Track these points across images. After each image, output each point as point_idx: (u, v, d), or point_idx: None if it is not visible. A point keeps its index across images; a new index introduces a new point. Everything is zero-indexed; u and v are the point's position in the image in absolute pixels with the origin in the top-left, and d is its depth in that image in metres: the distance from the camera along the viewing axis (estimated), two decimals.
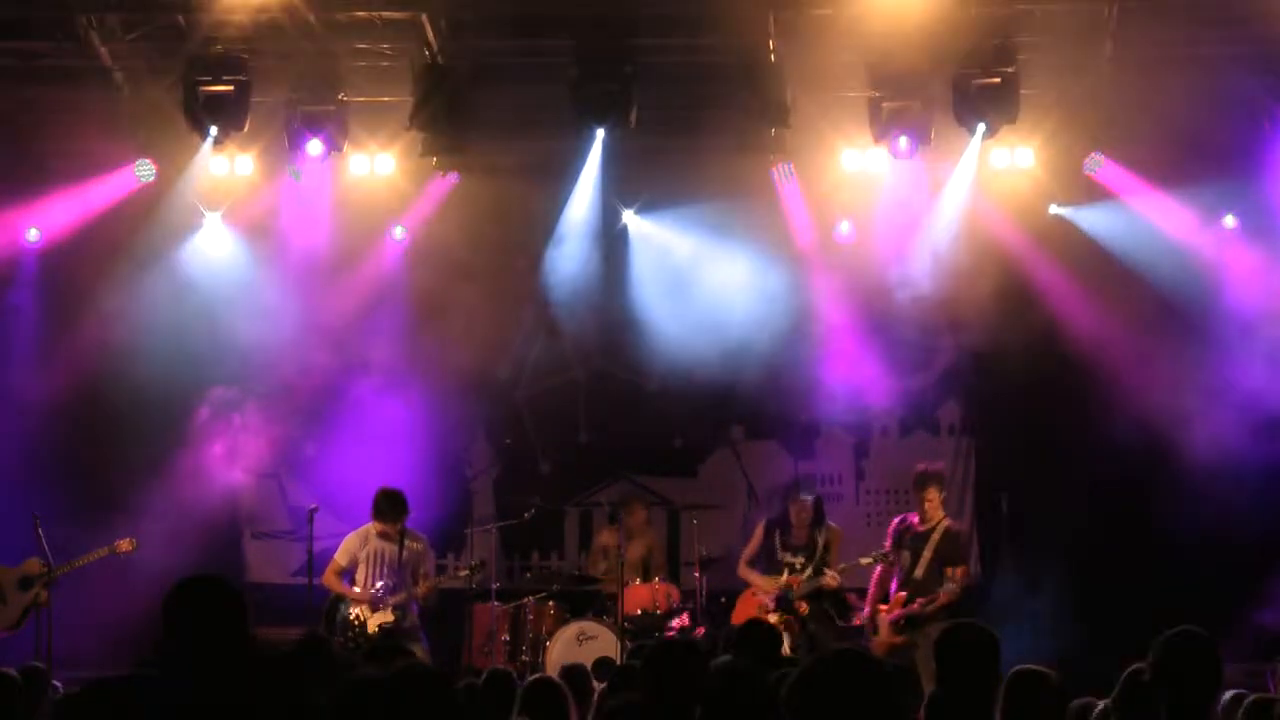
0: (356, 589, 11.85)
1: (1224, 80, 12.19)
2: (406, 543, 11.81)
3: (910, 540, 11.79)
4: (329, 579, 11.98)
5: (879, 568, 11.98)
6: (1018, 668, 6.08)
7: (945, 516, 11.90)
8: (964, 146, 13.09)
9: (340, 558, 11.96)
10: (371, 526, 11.94)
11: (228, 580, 4.68)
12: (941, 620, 11.45)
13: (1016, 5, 12.12)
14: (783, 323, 13.98)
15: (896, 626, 11.55)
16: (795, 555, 12.29)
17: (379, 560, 11.82)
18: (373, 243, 14.22)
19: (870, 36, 12.41)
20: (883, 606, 11.76)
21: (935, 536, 11.73)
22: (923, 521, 11.83)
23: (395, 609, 11.72)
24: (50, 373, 13.72)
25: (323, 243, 13.91)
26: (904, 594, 11.67)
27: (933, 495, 11.83)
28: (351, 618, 11.78)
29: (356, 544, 11.91)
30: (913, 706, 5.21)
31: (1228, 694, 6.06)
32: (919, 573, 11.68)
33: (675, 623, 12.73)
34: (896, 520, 12.14)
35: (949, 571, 11.60)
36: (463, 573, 12.45)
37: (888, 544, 11.96)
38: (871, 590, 12.00)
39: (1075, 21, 12.40)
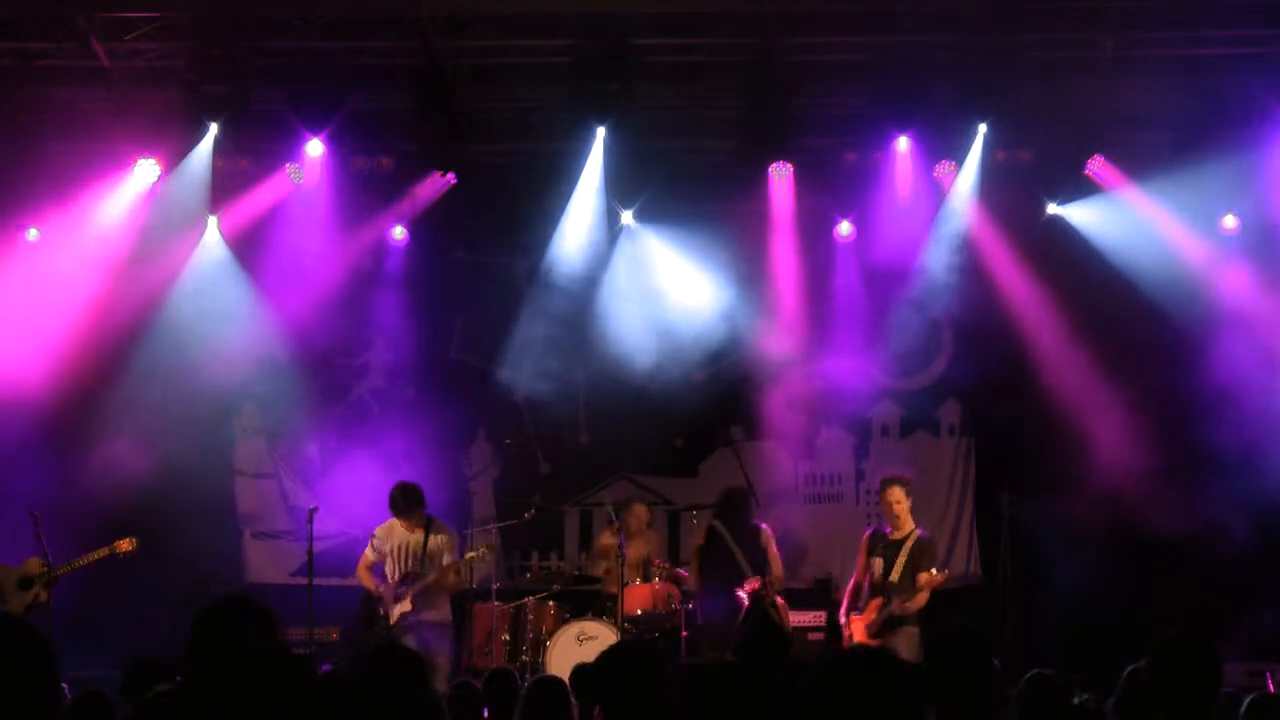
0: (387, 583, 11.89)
1: (1224, 80, 12.20)
2: (431, 534, 11.84)
3: (884, 549, 11.77)
4: (359, 573, 12.07)
5: (852, 579, 11.98)
6: (1032, 673, 6.10)
7: (917, 527, 11.87)
8: (964, 146, 13.09)
9: (369, 552, 12.02)
10: (395, 519, 11.97)
11: (260, 603, 4.51)
12: (913, 624, 11.47)
13: (1017, 5, 12.11)
14: (782, 323, 13.98)
15: (872, 631, 11.53)
16: None
17: (404, 553, 11.85)
18: (372, 243, 14.21)
19: (869, 36, 12.43)
20: (855, 616, 11.72)
21: (909, 544, 11.71)
22: (895, 531, 11.81)
23: (415, 599, 11.70)
24: (49, 374, 13.69)
25: (322, 243, 13.90)
26: (879, 600, 11.65)
27: (899, 496, 11.78)
28: (381, 612, 11.86)
29: (382, 537, 11.95)
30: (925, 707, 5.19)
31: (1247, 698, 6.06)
32: (894, 577, 11.64)
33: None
34: (869, 531, 12.12)
35: (921, 576, 11.58)
36: (470, 555, 12.37)
37: (861, 556, 11.95)
38: (845, 601, 11.99)
39: (1075, 20, 12.40)
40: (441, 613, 11.89)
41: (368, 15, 12.55)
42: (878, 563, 11.73)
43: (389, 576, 11.91)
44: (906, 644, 11.22)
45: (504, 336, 14.23)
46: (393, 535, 11.91)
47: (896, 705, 2.98)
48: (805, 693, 3.03)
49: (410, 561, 11.80)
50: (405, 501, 11.82)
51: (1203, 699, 4.83)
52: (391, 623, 11.72)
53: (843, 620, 11.87)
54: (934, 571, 11.52)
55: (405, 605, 11.71)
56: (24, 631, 3.28)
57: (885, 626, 11.51)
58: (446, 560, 11.87)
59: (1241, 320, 13.27)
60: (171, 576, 12.76)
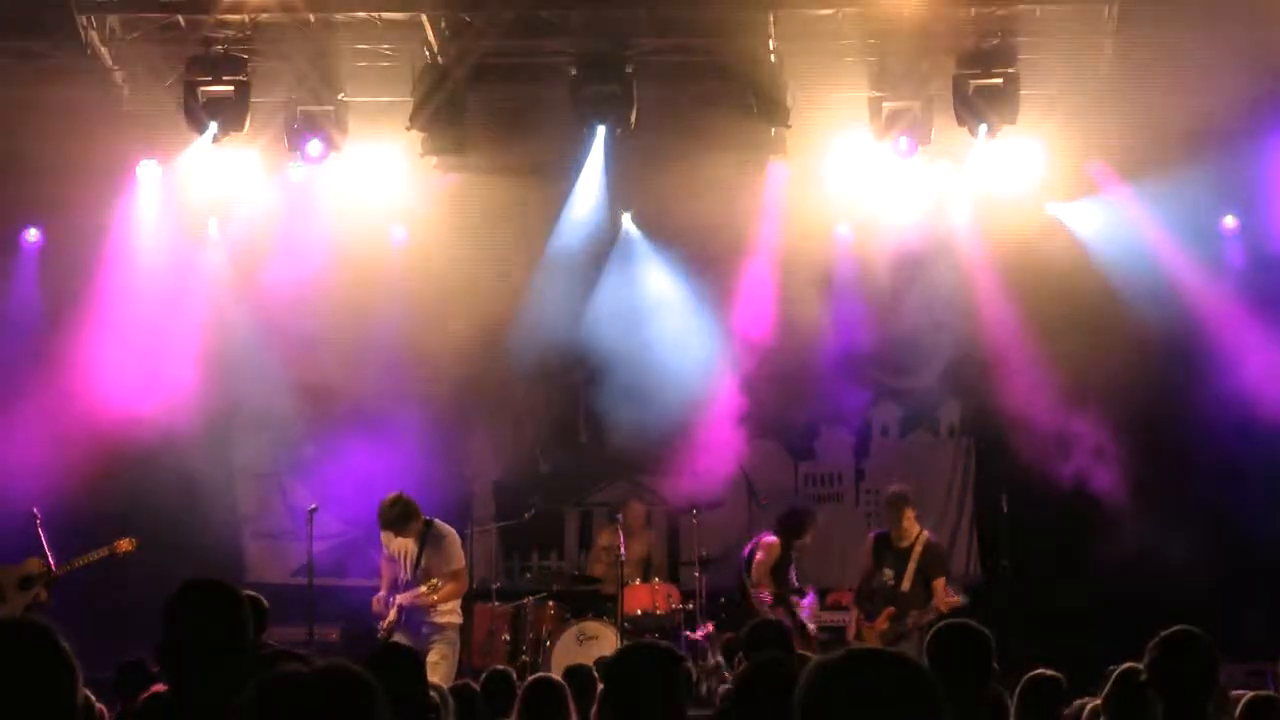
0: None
1: (1224, 80, 12.18)
2: (427, 544, 11.41)
3: (892, 558, 11.78)
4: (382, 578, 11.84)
5: (860, 580, 11.99)
6: (1032, 674, 6.09)
7: (922, 530, 11.87)
8: (964, 146, 13.09)
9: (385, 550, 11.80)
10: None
11: (228, 584, 4.71)
12: (919, 632, 11.47)
13: (1016, 5, 12.11)
14: (782, 323, 13.98)
15: (886, 640, 11.54)
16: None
17: (403, 559, 11.61)
18: (372, 243, 14.21)
19: (870, 36, 12.42)
20: (867, 624, 11.73)
21: (917, 550, 11.72)
22: (902, 539, 11.80)
23: (400, 609, 11.50)
24: (48, 374, 13.70)
25: (322, 243, 13.91)
26: (892, 609, 11.66)
27: (909, 514, 11.83)
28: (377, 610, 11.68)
29: (385, 541, 11.64)
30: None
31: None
32: (905, 586, 11.67)
33: (700, 632, 12.71)
34: (873, 535, 12.12)
35: (935, 584, 11.59)
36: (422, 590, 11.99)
37: (867, 559, 11.95)
38: (853, 608, 12.00)
39: (1075, 21, 12.39)
40: (440, 615, 11.43)
41: (368, 15, 12.55)
42: (888, 573, 11.73)
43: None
44: (912, 651, 11.21)
45: (503, 336, 14.23)
46: (393, 540, 11.69)
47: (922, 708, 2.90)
48: (812, 693, 2.94)
49: (409, 568, 11.56)
50: (393, 516, 11.34)
51: (1200, 696, 4.83)
52: (383, 628, 11.50)
53: (851, 629, 11.87)
54: (948, 588, 11.56)
55: (391, 616, 11.46)
56: (48, 642, 3.23)
57: (898, 637, 11.53)
58: (446, 568, 11.44)
59: (1239, 319, 13.29)
60: (171, 577, 12.70)
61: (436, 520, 11.61)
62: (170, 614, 4.55)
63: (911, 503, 11.92)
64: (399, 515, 11.40)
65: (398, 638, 10.79)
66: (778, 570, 12.32)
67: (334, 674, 2.88)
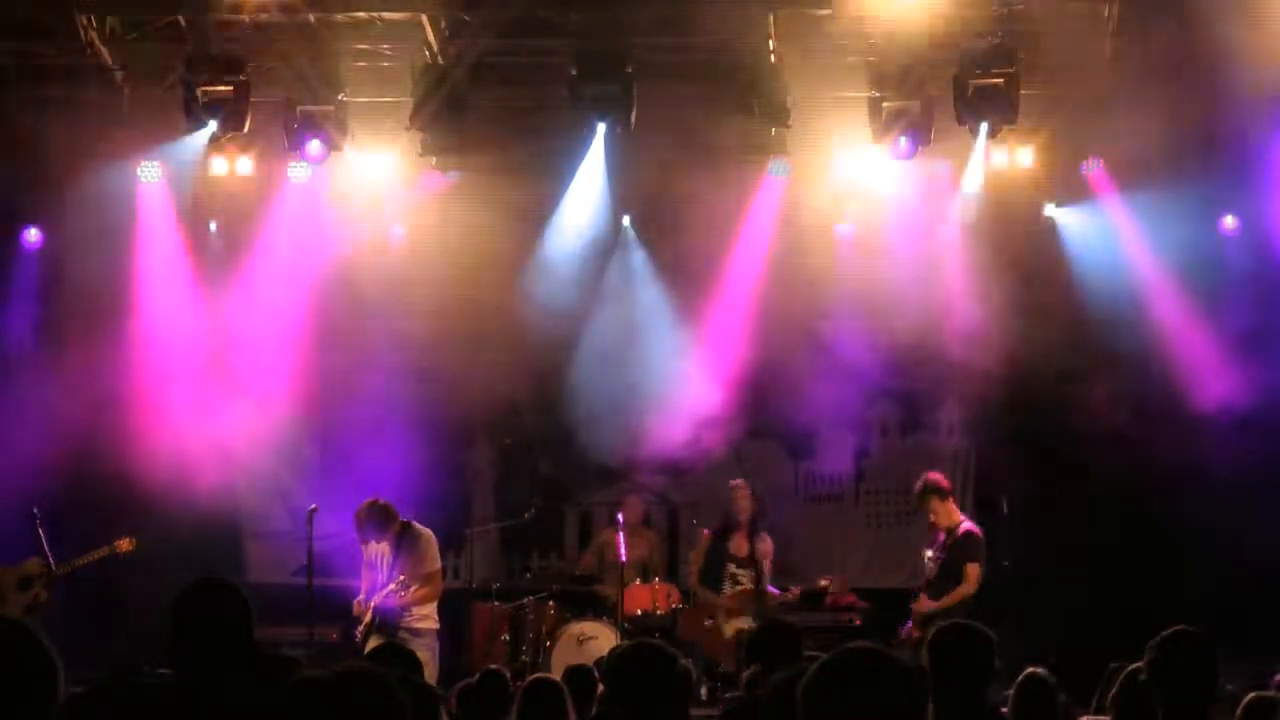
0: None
1: (1224, 80, 12.18)
2: (401, 548, 11.48)
3: (934, 546, 11.91)
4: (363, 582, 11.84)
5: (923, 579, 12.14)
6: (1028, 672, 6.09)
7: (963, 520, 11.93)
8: (964, 146, 13.09)
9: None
10: None
11: (236, 584, 4.72)
12: (953, 618, 11.51)
13: (1016, 5, 12.11)
14: (781, 322, 13.97)
15: (917, 622, 11.68)
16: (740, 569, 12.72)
17: (380, 561, 11.64)
18: (372, 242, 14.21)
19: (870, 36, 12.42)
20: (914, 604, 11.90)
21: (952, 539, 11.80)
22: (941, 530, 11.87)
23: (375, 610, 11.52)
24: (47, 373, 13.70)
25: (322, 242, 13.91)
26: (924, 594, 11.81)
27: (932, 505, 11.86)
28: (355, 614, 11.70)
29: (364, 547, 11.69)
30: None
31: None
32: (931, 571, 11.80)
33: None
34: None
35: (967, 569, 11.67)
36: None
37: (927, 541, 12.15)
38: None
39: (1075, 21, 12.39)
40: (416, 620, 11.44)
41: (368, 15, 12.55)
42: (929, 554, 11.90)
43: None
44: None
45: (503, 336, 14.23)
46: (371, 545, 11.61)
47: (889, 706, 3.00)
48: (809, 692, 3.06)
49: (385, 571, 11.52)
50: (366, 522, 11.43)
51: (1201, 697, 4.83)
52: (359, 632, 11.43)
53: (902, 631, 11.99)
54: (969, 569, 11.64)
55: (366, 615, 11.43)
56: (28, 640, 3.21)
57: (925, 622, 11.60)
58: (424, 569, 11.45)
59: (1240, 320, 13.32)
60: (171, 577, 12.70)
61: (414, 523, 11.65)
62: (179, 613, 4.55)
63: (937, 491, 11.90)
64: (372, 521, 11.45)
65: (374, 641, 10.76)
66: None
67: (358, 677, 2.90)
